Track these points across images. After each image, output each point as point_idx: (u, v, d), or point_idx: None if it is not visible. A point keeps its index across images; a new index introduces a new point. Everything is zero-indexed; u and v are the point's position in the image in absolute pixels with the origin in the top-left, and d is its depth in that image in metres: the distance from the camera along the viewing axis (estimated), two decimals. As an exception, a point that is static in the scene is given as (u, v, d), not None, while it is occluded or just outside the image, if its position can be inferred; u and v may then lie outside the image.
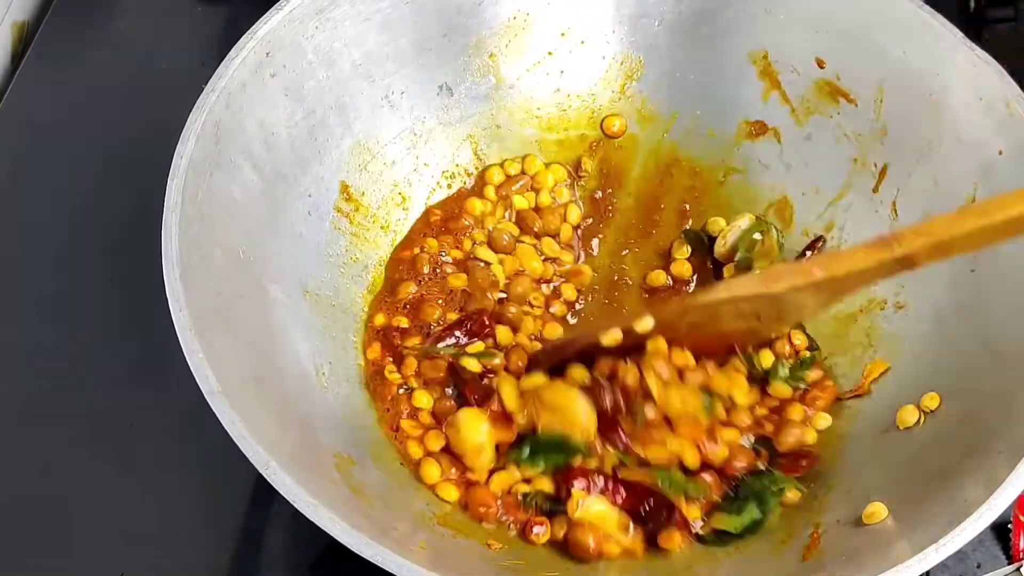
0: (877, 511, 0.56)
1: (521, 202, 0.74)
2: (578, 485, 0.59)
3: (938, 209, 0.65)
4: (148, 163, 0.59)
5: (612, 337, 0.61)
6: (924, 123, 0.66)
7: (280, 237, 0.64)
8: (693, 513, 0.59)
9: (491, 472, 0.61)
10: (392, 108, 0.71)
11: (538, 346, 0.67)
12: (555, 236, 0.73)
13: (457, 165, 0.74)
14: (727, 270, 0.71)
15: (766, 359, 0.65)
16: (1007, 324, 0.60)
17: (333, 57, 0.67)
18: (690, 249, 0.72)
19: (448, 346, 0.66)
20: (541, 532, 0.59)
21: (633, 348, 0.62)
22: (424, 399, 0.64)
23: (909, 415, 0.61)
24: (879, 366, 0.63)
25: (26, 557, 0.64)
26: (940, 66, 0.65)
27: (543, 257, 0.72)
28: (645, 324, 0.61)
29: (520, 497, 0.60)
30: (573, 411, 0.60)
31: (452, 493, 0.61)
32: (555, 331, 0.69)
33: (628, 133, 0.76)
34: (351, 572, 0.51)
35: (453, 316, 0.68)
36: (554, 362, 0.64)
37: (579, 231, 0.74)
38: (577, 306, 0.71)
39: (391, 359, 0.66)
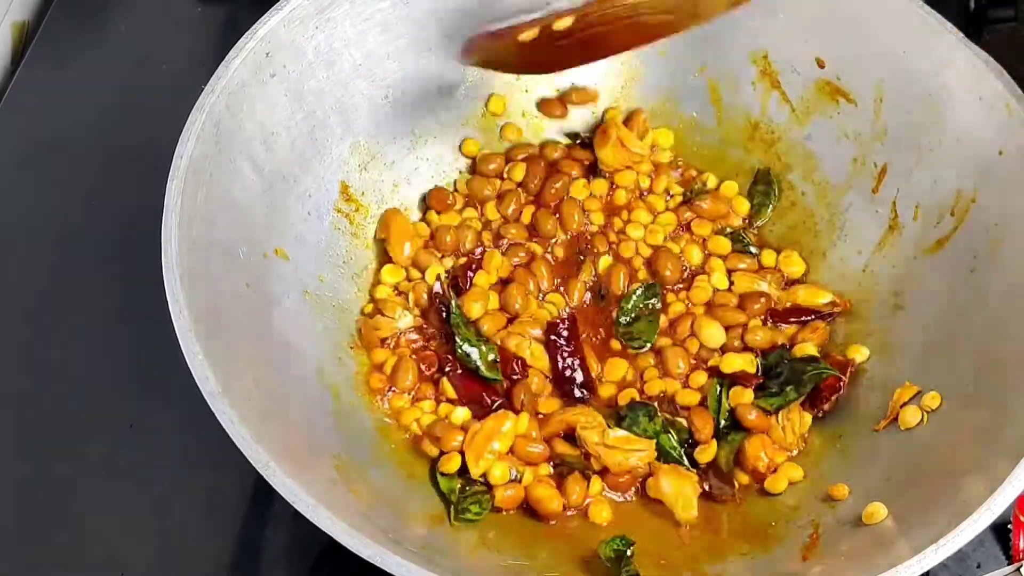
0: (877, 511, 0.56)
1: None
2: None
3: (938, 209, 0.65)
4: (148, 163, 0.59)
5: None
6: (924, 123, 0.66)
7: (280, 238, 0.64)
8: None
9: None
10: (392, 108, 0.71)
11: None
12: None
13: (458, 167, 0.75)
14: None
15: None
16: (1007, 324, 0.60)
17: (333, 57, 0.67)
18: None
19: None
20: None
21: None
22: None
23: (911, 415, 0.61)
24: (908, 390, 0.63)
25: (26, 557, 0.64)
26: (940, 66, 0.65)
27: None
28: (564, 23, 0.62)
29: None
30: None
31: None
32: None
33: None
34: (351, 572, 0.51)
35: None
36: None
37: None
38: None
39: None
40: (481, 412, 0.64)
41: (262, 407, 0.54)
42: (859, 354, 0.67)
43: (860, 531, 0.56)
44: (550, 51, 0.63)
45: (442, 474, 0.61)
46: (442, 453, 0.62)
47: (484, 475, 0.61)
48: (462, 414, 0.64)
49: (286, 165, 0.65)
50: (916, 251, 0.66)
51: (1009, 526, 0.64)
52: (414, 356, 0.66)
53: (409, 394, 0.65)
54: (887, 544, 0.54)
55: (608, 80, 0.76)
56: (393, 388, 0.65)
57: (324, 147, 0.68)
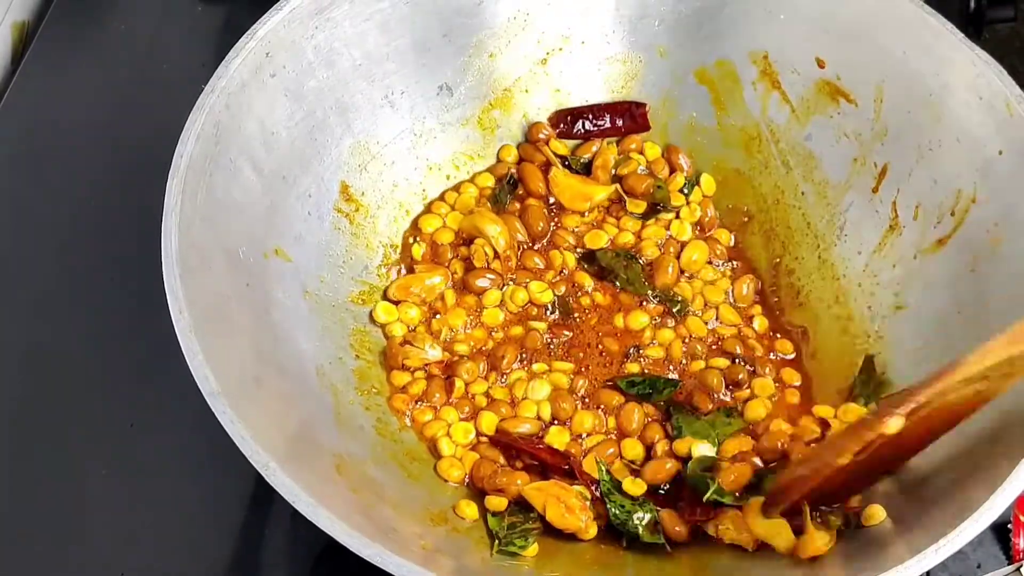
0: (877, 512, 0.56)
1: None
2: None
3: (938, 209, 0.65)
4: (148, 163, 0.59)
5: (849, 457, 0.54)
6: (924, 123, 0.66)
7: (280, 238, 0.64)
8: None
9: None
10: (392, 108, 0.71)
11: None
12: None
13: (457, 169, 0.75)
14: None
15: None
16: (1007, 324, 0.60)
17: (333, 57, 0.67)
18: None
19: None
20: None
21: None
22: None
23: (910, 415, 0.61)
24: None
25: (26, 557, 0.64)
26: (940, 66, 0.65)
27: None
28: (894, 425, 0.52)
29: None
30: None
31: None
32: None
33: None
34: (351, 572, 0.51)
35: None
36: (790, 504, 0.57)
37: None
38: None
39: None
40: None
41: (262, 407, 0.54)
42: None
43: (860, 531, 0.56)
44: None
45: (492, 513, 0.60)
46: (483, 492, 0.62)
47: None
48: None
49: (286, 165, 0.65)
50: (916, 251, 0.66)
51: (1009, 526, 0.64)
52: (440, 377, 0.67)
53: (432, 407, 0.65)
54: (887, 545, 0.54)
55: (608, 80, 0.76)
56: (422, 402, 0.66)
57: (324, 147, 0.68)
